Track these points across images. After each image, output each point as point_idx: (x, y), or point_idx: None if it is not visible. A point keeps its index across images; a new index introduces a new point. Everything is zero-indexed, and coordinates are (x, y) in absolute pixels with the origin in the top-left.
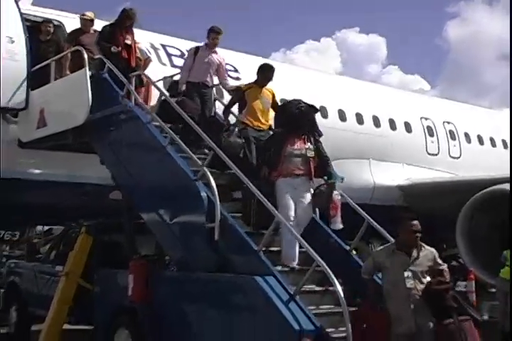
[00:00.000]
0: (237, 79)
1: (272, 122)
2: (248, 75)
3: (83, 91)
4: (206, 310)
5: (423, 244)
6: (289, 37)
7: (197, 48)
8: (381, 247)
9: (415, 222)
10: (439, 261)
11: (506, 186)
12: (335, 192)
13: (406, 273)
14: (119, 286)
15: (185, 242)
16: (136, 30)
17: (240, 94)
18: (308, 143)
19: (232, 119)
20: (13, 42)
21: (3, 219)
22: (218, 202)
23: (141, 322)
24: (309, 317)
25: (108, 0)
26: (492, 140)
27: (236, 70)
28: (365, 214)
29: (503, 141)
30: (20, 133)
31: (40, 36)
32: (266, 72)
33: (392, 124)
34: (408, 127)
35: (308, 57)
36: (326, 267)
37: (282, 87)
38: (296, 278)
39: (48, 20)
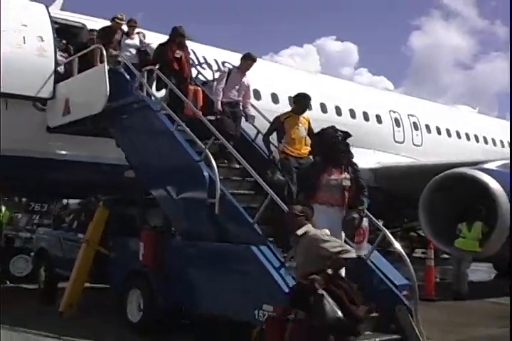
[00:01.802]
0: None
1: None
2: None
3: (102, 83)
4: (207, 273)
5: (302, 230)
6: (276, 43)
7: (229, 72)
8: None
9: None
10: (324, 244)
11: (461, 170)
12: (364, 219)
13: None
14: (131, 252)
15: (189, 215)
16: None
17: (278, 123)
18: (345, 173)
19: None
20: (43, 40)
21: (34, 193)
22: (218, 180)
23: (150, 283)
24: None
25: (122, 8)
26: (448, 131)
27: None
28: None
29: (457, 132)
30: (48, 120)
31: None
32: (303, 101)
33: (366, 116)
34: (379, 119)
35: (292, 60)
36: None
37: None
38: None
39: (92, 30)
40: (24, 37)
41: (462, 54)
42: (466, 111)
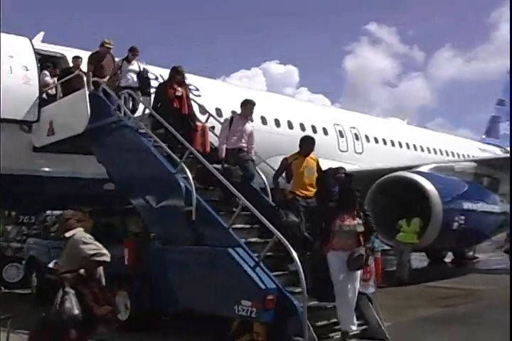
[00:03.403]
0: (198, 96)
1: None
2: (205, 91)
3: (83, 106)
4: (187, 275)
5: (71, 232)
6: (226, 67)
7: (232, 118)
8: None
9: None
10: (82, 246)
11: (400, 173)
12: (370, 257)
13: None
14: (116, 258)
15: (168, 222)
16: None
17: (286, 165)
18: (357, 218)
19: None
20: (28, 70)
21: (23, 207)
22: (194, 190)
23: (135, 285)
24: (271, 279)
25: (91, 39)
26: (384, 140)
27: (197, 89)
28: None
29: (391, 141)
30: (34, 140)
31: (71, 69)
32: (308, 144)
33: (314, 129)
34: (325, 131)
35: (241, 81)
36: (284, 239)
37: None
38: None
39: (77, 56)
40: (11, 67)
41: (387, 74)
42: (397, 123)
